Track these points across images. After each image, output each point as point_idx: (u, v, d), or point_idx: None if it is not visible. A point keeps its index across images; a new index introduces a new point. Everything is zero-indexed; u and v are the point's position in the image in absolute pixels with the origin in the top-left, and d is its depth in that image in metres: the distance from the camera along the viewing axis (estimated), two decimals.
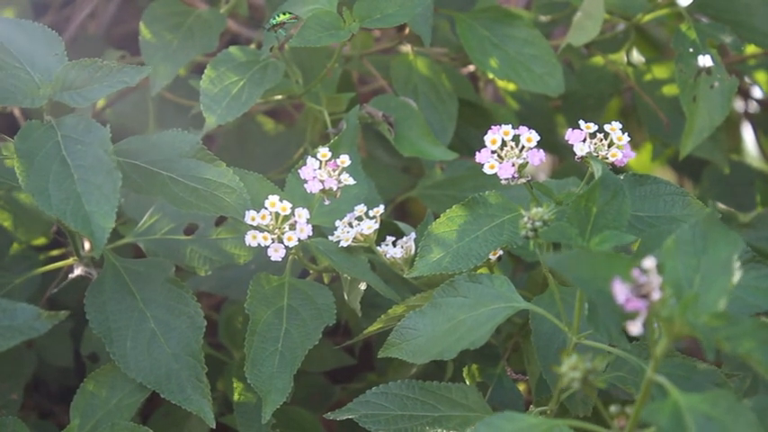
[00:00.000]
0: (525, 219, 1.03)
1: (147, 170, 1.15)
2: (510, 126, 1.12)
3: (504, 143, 1.12)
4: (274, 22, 1.28)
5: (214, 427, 1.18)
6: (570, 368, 0.93)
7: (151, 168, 1.15)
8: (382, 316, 1.18)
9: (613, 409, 0.97)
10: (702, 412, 0.86)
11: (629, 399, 1.09)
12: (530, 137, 1.11)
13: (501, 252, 1.19)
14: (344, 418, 1.13)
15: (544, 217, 1.02)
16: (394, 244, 1.20)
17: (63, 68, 1.14)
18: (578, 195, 1.02)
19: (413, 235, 1.21)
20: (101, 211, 1.05)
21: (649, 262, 0.87)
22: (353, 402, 1.14)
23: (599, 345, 1.03)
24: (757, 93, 1.79)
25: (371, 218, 1.19)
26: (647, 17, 1.50)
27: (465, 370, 1.26)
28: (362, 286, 1.21)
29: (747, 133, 1.89)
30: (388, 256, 1.19)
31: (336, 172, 1.18)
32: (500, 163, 1.11)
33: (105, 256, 1.20)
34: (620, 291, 0.86)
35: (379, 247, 1.20)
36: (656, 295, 0.86)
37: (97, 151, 1.08)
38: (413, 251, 1.19)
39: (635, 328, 0.86)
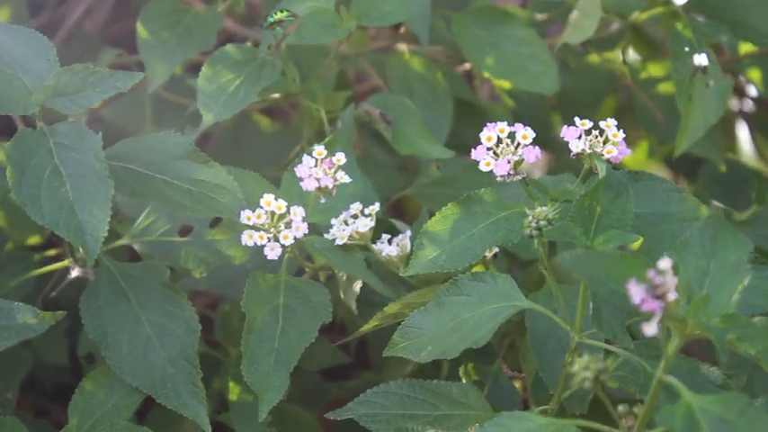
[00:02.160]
0: (530, 218, 1.03)
1: (141, 174, 1.14)
2: (505, 123, 1.12)
3: (499, 140, 1.12)
4: (272, 20, 1.28)
5: (209, 431, 1.17)
6: (582, 368, 0.93)
7: (145, 172, 1.14)
8: (378, 314, 1.18)
9: (621, 409, 0.97)
10: (716, 415, 0.86)
11: (628, 397, 1.09)
12: (525, 134, 1.11)
13: (497, 250, 1.19)
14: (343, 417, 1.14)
15: (548, 216, 1.02)
16: (389, 242, 1.20)
17: (55, 74, 1.13)
18: (582, 195, 1.02)
19: (408, 233, 1.21)
20: (94, 220, 1.05)
21: (665, 263, 0.87)
22: (353, 402, 1.14)
23: (598, 344, 1.03)
24: (752, 91, 1.80)
25: (367, 216, 1.19)
26: (643, 16, 1.50)
27: (461, 368, 1.26)
28: (358, 284, 1.21)
29: (742, 132, 1.90)
30: (383, 254, 1.19)
31: (332, 170, 1.18)
32: (496, 160, 1.11)
33: (100, 259, 1.19)
34: (636, 292, 0.86)
35: (374, 246, 1.19)
36: (671, 296, 0.86)
37: (90, 159, 1.07)
38: (408, 249, 1.19)
39: (650, 329, 0.85)
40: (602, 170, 1.04)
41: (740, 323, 0.86)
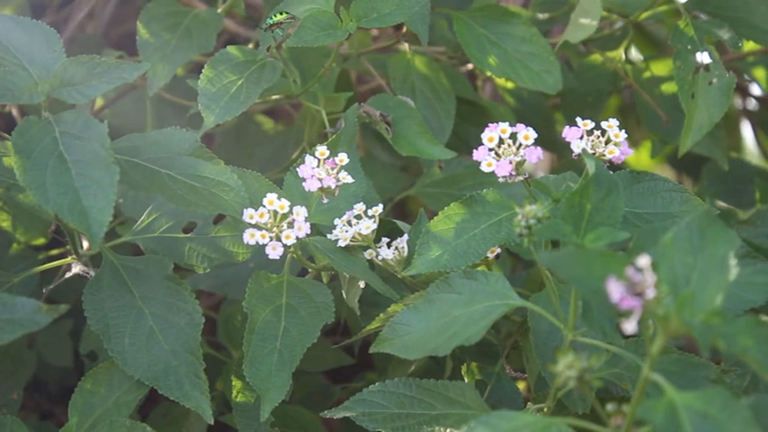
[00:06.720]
0: (519, 216, 1.03)
1: (146, 168, 1.14)
2: (507, 124, 1.12)
3: (501, 141, 1.12)
4: (271, 21, 1.28)
5: (212, 422, 1.17)
6: (566, 366, 0.93)
7: (150, 166, 1.14)
8: (381, 315, 1.18)
9: (610, 407, 0.97)
10: (698, 410, 0.86)
11: (626, 395, 1.08)
12: (527, 134, 1.11)
13: (499, 250, 1.19)
14: (344, 416, 1.13)
15: (538, 214, 1.02)
16: (389, 245, 1.20)
17: (61, 65, 1.14)
18: (572, 192, 1.02)
19: (405, 237, 1.21)
20: (98, 205, 1.05)
21: (644, 260, 0.87)
22: (351, 401, 1.13)
23: (595, 342, 1.03)
24: (756, 90, 1.80)
25: (370, 217, 1.19)
26: (645, 14, 1.49)
27: (464, 368, 1.26)
28: (361, 285, 1.21)
29: (746, 131, 1.90)
30: (378, 258, 1.19)
31: (335, 170, 1.18)
32: (497, 161, 1.11)
33: (103, 253, 1.20)
34: (615, 289, 0.85)
35: (368, 251, 1.19)
36: (650, 294, 0.86)
37: (95, 146, 1.07)
38: (405, 253, 1.19)
39: (630, 326, 0.85)
40: (591, 167, 1.03)
41: (725, 319, 0.86)
